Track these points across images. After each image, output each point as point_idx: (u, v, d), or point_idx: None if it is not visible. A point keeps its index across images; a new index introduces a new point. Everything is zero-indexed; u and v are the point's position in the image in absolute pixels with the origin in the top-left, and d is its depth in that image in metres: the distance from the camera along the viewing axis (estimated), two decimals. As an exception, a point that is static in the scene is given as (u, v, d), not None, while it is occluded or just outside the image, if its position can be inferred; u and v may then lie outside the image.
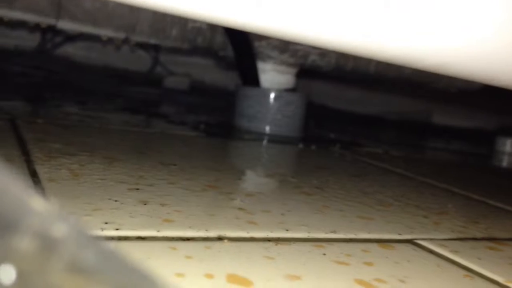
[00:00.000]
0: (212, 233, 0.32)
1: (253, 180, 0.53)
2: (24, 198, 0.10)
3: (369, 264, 0.31)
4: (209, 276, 0.26)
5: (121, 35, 0.82)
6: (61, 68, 1.18)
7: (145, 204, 0.35)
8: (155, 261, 0.26)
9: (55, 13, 0.77)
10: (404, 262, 0.33)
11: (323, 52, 0.87)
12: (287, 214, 0.39)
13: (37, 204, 0.10)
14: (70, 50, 1.22)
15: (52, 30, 0.96)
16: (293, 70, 0.88)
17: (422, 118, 1.34)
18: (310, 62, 0.88)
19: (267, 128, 0.83)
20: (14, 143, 0.47)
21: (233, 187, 0.45)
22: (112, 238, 0.29)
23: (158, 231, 0.31)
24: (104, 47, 1.19)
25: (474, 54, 0.33)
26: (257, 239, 0.33)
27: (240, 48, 0.85)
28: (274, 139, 0.80)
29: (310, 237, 0.35)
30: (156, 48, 1.25)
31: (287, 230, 0.35)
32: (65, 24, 0.77)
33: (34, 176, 0.38)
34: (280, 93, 0.85)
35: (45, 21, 0.76)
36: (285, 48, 0.83)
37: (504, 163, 1.05)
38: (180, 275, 0.25)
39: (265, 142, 0.78)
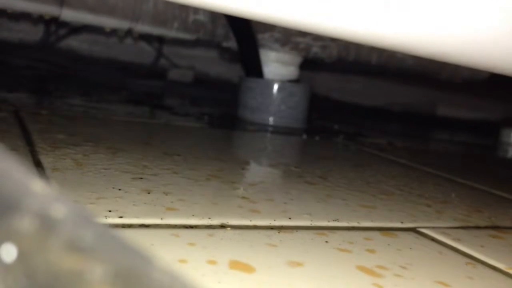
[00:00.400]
0: (215, 221, 0.32)
1: (256, 170, 0.53)
2: (25, 181, 0.11)
3: (371, 251, 0.32)
4: (212, 262, 0.26)
5: (124, 26, 0.83)
6: (65, 61, 1.18)
7: (148, 193, 0.36)
8: (158, 248, 0.27)
9: (58, 3, 0.77)
10: (406, 249, 0.33)
11: (325, 45, 0.87)
12: (290, 203, 0.39)
13: (37, 187, 0.10)
14: (74, 43, 1.22)
15: (55, 22, 0.97)
16: (297, 62, 0.88)
17: (426, 110, 1.34)
18: (312, 54, 0.88)
19: (271, 119, 0.83)
20: (19, 134, 0.48)
21: (236, 177, 0.45)
22: (115, 226, 0.29)
23: (162, 219, 0.31)
24: (107, 39, 1.19)
25: (482, 41, 0.33)
26: (260, 227, 0.33)
27: (243, 40, 0.85)
28: (278, 130, 0.80)
29: (312, 225, 0.35)
30: (159, 40, 1.24)
31: (290, 218, 0.35)
32: (68, 14, 0.77)
33: (38, 166, 0.38)
34: (283, 84, 0.85)
35: (48, 11, 0.76)
36: (287, 40, 0.83)
37: (509, 154, 1.05)
38: (183, 261, 0.25)
39: (268, 133, 0.78)
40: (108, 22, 0.81)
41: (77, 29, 1.15)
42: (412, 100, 1.33)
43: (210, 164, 0.48)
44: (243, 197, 0.39)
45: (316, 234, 0.33)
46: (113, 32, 0.88)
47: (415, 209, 0.43)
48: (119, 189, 0.35)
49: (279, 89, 0.84)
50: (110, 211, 0.31)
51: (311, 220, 0.36)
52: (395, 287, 0.27)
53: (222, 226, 0.32)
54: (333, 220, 0.37)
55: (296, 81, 0.88)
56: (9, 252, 0.09)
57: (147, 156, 0.47)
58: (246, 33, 0.82)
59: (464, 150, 0.97)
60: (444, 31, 0.32)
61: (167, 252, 0.26)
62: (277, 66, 0.86)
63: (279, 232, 0.32)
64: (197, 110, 0.91)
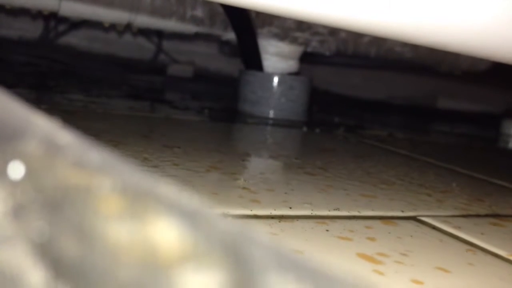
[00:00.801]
0: (215, 211, 0.32)
1: (256, 161, 0.53)
2: (29, 115, 0.11)
3: (371, 239, 0.32)
4: (212, 250, 0.26)
5: (123, 19, 0.82)
6: (65, 57, 1.18)
7: (149, 184, 0.36)
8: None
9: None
10: (406, 237, 0.33)
11: (323, 39, 0.87)
12: (290, 193, 0.39)
13: (40, 120, 0.11)
14: (74, 39, 1.22)
15: (54, 17, 0.96)
16: (296, 55, 0.88)
17: (427, 103, 1.34)
18: (311, 49, 0.88)
19: (271, 113, 0.83)
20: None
21: (236, 168, 0.45)
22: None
23: (162, 209, 0.31)
24: (107, 35, 1.19)
25: (485, 29, 0.33)
26: (260, 216, 0.33)
27: (242, 33, 0.85)
28: (278, 123, 0.80)
29: (313, 214, 0.35)
30: (159, 35, 1.24)
31: (290, 208, 0.35)
32: (67, 9, 0.77)
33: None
34: (283, 77, 0.85)
35: (47, 6, 0.76)
36: (285, 35, 0.82)
37: (510, 146, 1.05)
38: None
39: (268, 126, 0.78)
40: (106, 14, 0.81)
41: (76, 24, 1.15)
42: (412, 93, 1.33)
43: (210, 156, 0.48)
44: (244, 188, 0.39)
45: (317, 223, 0.33)
46: (112, 27, 0.88)
47: (416, 198, 0.43)
48: (120, 181, 0.35)
49: (279, 82, 0.84)
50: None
51: (312, 210, 0.36)
52: (396, 273, 0.27)
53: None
54: (334, 209, 0.37)
55: (296, 74, 0.88)
56: (17, 170, 0.10)
57: (148, 148, 0.47)
58: (245, 25, 0.82)
59: (465, 141, 0.97)
60: (447, 18, 0.32)
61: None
62: (276, 59, 0.86)
63: (279, 221, 0.32)
64: (197, 104, 0.91)
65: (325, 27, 0.83)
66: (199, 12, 0.87)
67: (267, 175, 0.45)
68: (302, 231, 0.31)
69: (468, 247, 0.33)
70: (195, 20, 0.87)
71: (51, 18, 1.05)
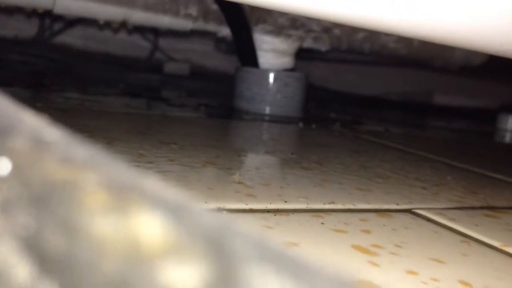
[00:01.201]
0: (211, 205, 0.32)
1: (252, 156, 0.53)
2: (17, 112, 0.11)
3: (366, 231, 0.32)
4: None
5: (118, 16, 0.82)
6: (60, 56, 1.18)
7: (144, 180, 0.36)
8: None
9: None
10: (401, 229, 0.33)
11: (317, 36, 0.87)
12: (286, 187, 0.39)
13: (28, 117, 0.11)
14: (69, 38, 1.22)
15: (49, 16, 0.96)
16: (292, 51, 0.88)
17: (423, 98, 1.34)
18: (306, 46, 0.89)
19: (267, 109, 0.83)
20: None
21: (232, 163, 0.45)
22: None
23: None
24: (102, 33, 1.19)
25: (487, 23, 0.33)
26: (256, 210, 0.33)
27: (237, 29, 0.85)
28: (274, 119, 0.80)
29: (308, 208, 0.35)
30: (155, 33, 1.24)
31: (286, 201, 0.36)
32: (61, 6, 0.77)
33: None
34: (279, 73, 0.85)
35: (42, 4, 0.76)
36: (279, 33, 0.83)
37: (506, 140, 1.05)
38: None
39: (264, 122, 0.78)
40: (101, 11, 0.81)
41: (71, 22, 1.15)
42: (408, 89, 1.33)
43: (206, 152, 0.48)
44: (239, 183, 0.39)
45: (312, 216, 0.33)
46: (108, 25, 0.88)
47: (411, 192, 0.43)
48: (115, 176, 0.36)
49: (275, 78, 0.84)
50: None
51: (307, 203, 0.36)
52: (390, 264, 0.27)
53: (218, 210, 0.32)
54: (329, 203, 0.37)
55: (292, 70, 0.88)
56: (4, 166, 0.10)
57: (143, 145, 0.47)
58: (240, 21, 0.82)
59: (461, 136, 0.98)
60: (448, 11, 0.32)
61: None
62: (272, 56, 0.86)
63: (275, 215, 0.33)
64: (193, 101, 0.91)
65: (318, 24, 0.83)
66: (193, 11, 0.87)
67: (263, 170, 0.45)
68: (297, 224, 0.31)
69: (463, 238, 0.33)
70: (189, 16, 0.87)
71: (46, 16, 1.04)
